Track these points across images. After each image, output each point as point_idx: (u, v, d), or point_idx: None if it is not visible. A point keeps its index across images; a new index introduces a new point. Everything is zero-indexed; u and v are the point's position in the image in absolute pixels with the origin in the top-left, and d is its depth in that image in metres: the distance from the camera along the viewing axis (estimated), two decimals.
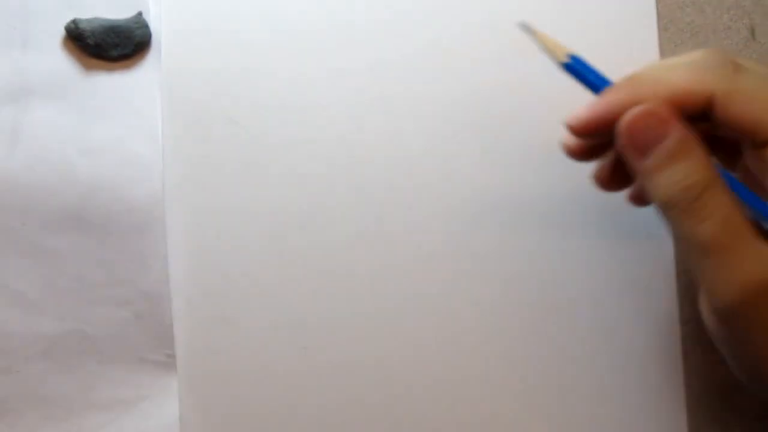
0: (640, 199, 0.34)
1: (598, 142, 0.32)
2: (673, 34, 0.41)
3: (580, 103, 0.37)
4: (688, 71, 0.30)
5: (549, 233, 0.38)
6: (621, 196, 0.35)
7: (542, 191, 0.38)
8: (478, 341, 0.37)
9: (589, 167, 0.34)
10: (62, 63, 0.37)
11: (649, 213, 0.39)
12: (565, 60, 0.32)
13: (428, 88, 0.39)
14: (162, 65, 0.38)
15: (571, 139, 0.32)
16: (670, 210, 0.29)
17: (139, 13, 0.38)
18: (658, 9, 0.40)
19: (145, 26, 0.38)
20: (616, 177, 0.33)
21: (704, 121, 0.30)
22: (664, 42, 0.40)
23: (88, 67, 0.37)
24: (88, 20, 0.37)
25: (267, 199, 0.38)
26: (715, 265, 0.28)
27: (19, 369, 0.35)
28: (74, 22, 0.37)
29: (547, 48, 0.32)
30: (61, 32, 0.37)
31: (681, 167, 0.29)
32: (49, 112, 0.37)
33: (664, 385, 0.38)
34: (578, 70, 0.32)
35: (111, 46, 0.37)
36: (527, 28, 0.33)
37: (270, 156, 0.38)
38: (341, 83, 0.39)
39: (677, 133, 0.29)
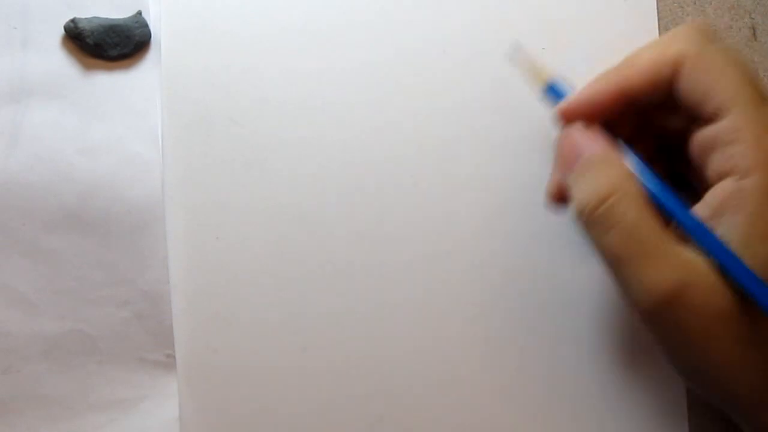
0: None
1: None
2: None
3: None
4: (662, 43, 0.31)
5: (547, 234, 0.38)
6: None
7: (543, 191, 0.38)
8: (479, 341, 0.37)
9: None
10: (62, 63, 0.37)
11: None
12: (546, 84, 0.34)
13: (430, 87, 0.39)
14: (162, 65, 0.38)
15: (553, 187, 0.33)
16: (580, 219, 0.30)
17: (139, 13, 0.38)
18: (658, 9, 0.40)
19: (144, 26, 0.38)
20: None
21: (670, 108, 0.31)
22: None
23: (87, 67, 0.37)
24: (87, 20, 0.37)
25: (267, 199, 0.37)
26: (624, 275, 0.29)
27: (19, 369, 0.35)
28: (73, 21, 0.37)
29: (531, 73, 0.34)
30: (61, 32, 0.37)
31: (590, 178, 0.30)
32: (48, 112, 0.36)
33: (665, 384, 0.38)
34: (560, 94, 0.33)
35: (110, 46, 0.37)
36: (515, 53, 0.35)
37: (270, 156, 0.38)
38: (342, 83, 0.38)
39: (592, 147, 0.30)
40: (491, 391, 0.37)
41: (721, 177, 0.29)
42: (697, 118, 0.30)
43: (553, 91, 0.34)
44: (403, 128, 0.38)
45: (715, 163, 0.29)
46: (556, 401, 0.37)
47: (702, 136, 0.30)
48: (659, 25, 0.40)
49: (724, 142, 0.28)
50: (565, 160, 0.31)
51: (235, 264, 0.37)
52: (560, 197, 0.33)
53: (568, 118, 0.32)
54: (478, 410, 0.37)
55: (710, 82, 0.29)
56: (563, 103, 0.32)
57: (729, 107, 0.28)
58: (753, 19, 0.41)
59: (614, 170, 0.30)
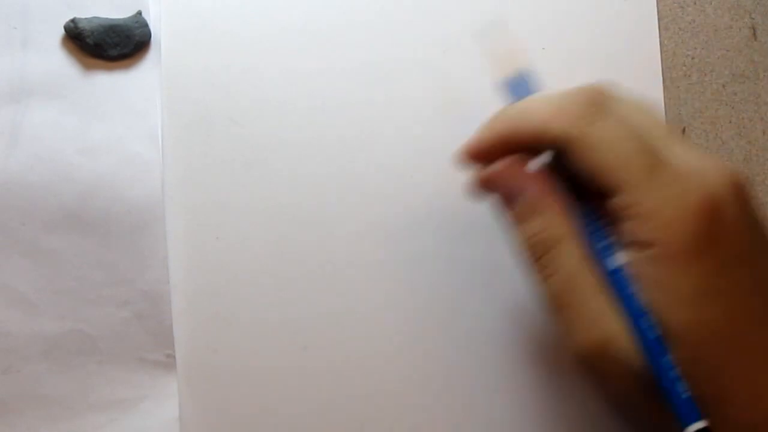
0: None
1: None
2: (673, 33, 0.41)
3: None
4: (550, 109, 0.30)
5: None
6: None
7: None
8: (481, 340, 0.37)
9: None
10: (62, 63, 0.37)
11: None
12: (508, 76, 0.32)
13: (431, 87, 0.39)
14: (162, 65, 0.38)
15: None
16: (526, 261, 0.31)
17: (139, 13, 0.38)
18: (658, 9, 0.40)
19: (144, 26, 0.38)
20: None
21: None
22: (664, 42, 0.40)
23: (87, 67, 0.37)
24: (87, 20, 0.37)
25: (267, 199, 0.38)
26: (559, 321, 0.30)
27: (19, 369, 0.35)
28: (74, 21, 0.37)
29: (499, 59, 0.33)
30: (61, 32, 0.37)
31: (535, 222, 0.30)
32: (48, 112, 0.36)
33: None
34: (521, 92, 0.32)
35: (110, 46, 0.37)
36: (489, 31, 0.33)
37: (270, 156, 0.38)
38: (342, 83, 0.38)
39: (533, 188, 0.30)
40: (493, 390, 0.37)
41: (628, 246, 0.29)
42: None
43: (515, 87, 0.32)
44: (404, 128, 0.38)
45: (621, 231, 0.29)
46: (556, 403, 0.37)
47: (607, 204, 0.29)
48: (659, 25, 0.40)
49: (621, 216, 0.29)
50: (506, 192, 0.31)
51: (235, 264, 0.37)
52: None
53: (471, 158, 0.32)
54: (481, 409, 0.37)
55: (596, 162, 0.29)
56: (466, 145, 0.32)
57: (618, 185, 0.28)
58: (753, 19, 0.41)
59: (557, 218, 0.30)
